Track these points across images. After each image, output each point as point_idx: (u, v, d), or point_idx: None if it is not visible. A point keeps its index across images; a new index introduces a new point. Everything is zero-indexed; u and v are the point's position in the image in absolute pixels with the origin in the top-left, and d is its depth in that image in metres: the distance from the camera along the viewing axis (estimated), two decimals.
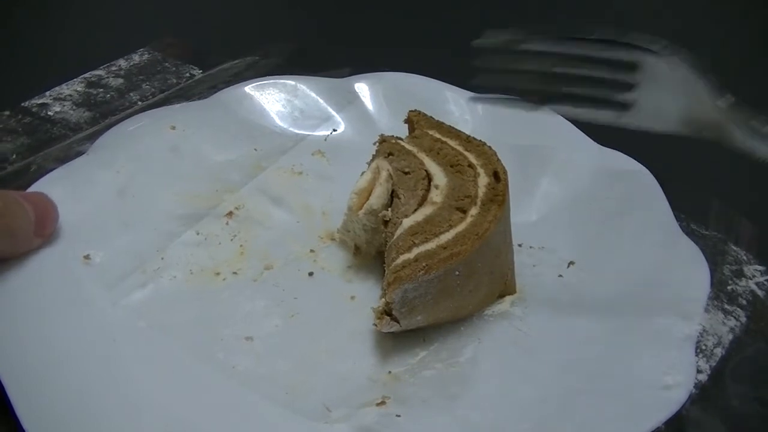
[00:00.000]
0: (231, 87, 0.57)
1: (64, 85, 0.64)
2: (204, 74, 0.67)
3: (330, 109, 0.57)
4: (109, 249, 0.44)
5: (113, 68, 0.67)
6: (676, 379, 0.36)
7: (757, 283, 0.47)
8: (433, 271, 0.38)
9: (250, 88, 0.57)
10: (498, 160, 0.44)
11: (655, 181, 0.48)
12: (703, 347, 0.43)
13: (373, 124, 0.56)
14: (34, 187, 0.45)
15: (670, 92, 0.36)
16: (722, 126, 0.33)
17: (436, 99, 0.57)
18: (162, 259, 0.45)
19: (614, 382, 0.37)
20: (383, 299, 0.39)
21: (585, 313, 0.42)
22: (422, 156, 0.45)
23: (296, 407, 0.38)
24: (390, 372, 0.40)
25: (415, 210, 0.42)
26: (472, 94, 0.57)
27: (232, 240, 0.48)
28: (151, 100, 0.63)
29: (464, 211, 0.42)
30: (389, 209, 0.44)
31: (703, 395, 0.40)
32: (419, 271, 0.38)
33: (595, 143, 0.52)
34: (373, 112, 0.57)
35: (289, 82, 0.58)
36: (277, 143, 0.54)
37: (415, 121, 0.48)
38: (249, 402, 0.38)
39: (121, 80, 0.66)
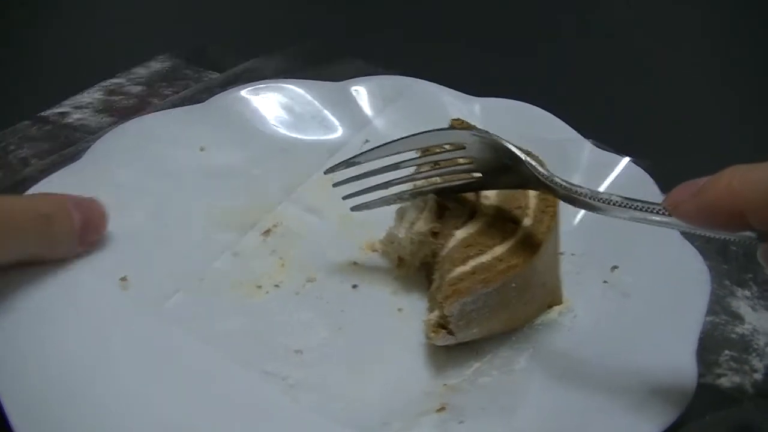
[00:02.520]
0: (229, 91, 0.57)
1: (84, 93, 0.63)
2: (223, 76, 0.67)
3: (366, 112, 0.58)
4: (146, 271, 0.43)
5: (132, 76, 0.67)
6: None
7: None
8: (491, 284, 0.38)
9: (249, 93, 0.57)
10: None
11: (655, 184, 0.49)
12: (756, 346, 0.43)
13: (400, 125, 0.56)
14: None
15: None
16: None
17: (439, 104, 0.58)
18: (201, 280, 0.45)
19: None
20: (435, 312, 0.39)
21: (632, 319, 0.42)
22: None
23: (352, 421, 0.37)
24: (445, 384, 0.40)
25: (466, 222, 0.42)
26: (473, 98, 0.58)
27: (270, 254, 0.47)
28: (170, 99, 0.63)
29: (516, 222, 0.42)
30: (438, 221, 0.43)
31: (760, 393, 0.41)
32: (478, 284, 0.38)
33: (593, 145, 0.54)
34: (402, 117, 0.57)
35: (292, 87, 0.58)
36: (311, 155, 0.54)
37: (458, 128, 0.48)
38: (303, 416, 0.38)
39: (141, 87, 0.65)
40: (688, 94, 0.68)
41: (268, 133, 0.55)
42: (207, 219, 0.48)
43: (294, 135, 0.56)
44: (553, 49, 0.75)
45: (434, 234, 0.43)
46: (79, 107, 0.62)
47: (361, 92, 0.59)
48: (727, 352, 0.43)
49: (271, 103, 0.57)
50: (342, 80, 0.59)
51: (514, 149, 0.40)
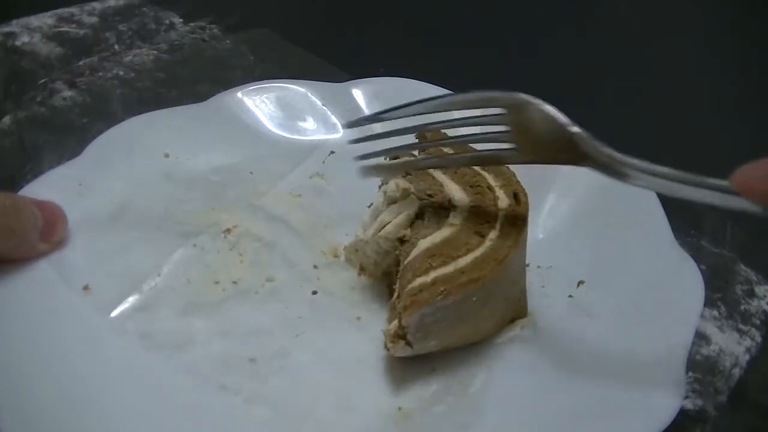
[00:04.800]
0: (227, 92, 0.55)
1: (32, 17, 0.60)
2: (185, 27, 0.64)
3: (328, 114, 0.56)
4: (107, 275, 0.43)
5: (87, 8, 0.64)
6: (665, 395, 0.36)
7: None
8: (451, 296, 0.37)
9: (245, 94, 0.55)
10: (518, 181, 0.43)
11: (654, 193, 0.47)
12: (722, 368, 0.42)
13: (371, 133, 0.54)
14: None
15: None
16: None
17: None
18: (159, 275, 0.44)
19: (624, 402, 0.37)
20: (395, 322, 0.38)
21: (595, 335, 0.41)
22: (440, 176, 0.44)
23: None
24: (400, 408, 0.38)
25: (433, 232, 0.41)
26: None
27: (230, 249, 0.46)
28: (131, 56, 0.60)
29: (483, 235, 0.40)
30: (409, 228, 0.42)
31: (724, 415, 0.40)
32: (437, 296, 0.37)
33: None
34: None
35: (288, 86, 0.57)
36: (274, 165, 0.53)
37: (429, 137, 0.47)
38: (251, 429, 0.37)
39: (95, 19, 0.62)
40: (686, 96, 0.67)
41: (266, 133, 0.54)
42: (173, 223, 0.47)
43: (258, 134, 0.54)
44: (554, 50, 0.73)
45: (402, 242, 0.42)
46: (27, 29, 0.59)
47: (357, 94, 0.57)
48: (691, 374, 0.42)
49: (271, 103, 0.56)
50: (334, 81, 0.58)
51: (564, 119, 0.37)
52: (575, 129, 0.37)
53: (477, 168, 0.44)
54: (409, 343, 0.38)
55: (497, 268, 0.38)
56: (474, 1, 0.80)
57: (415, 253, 0.40)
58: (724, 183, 0.32)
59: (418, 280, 0.38)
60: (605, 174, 0.36)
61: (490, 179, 0.43)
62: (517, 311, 0.42)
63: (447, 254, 0.39)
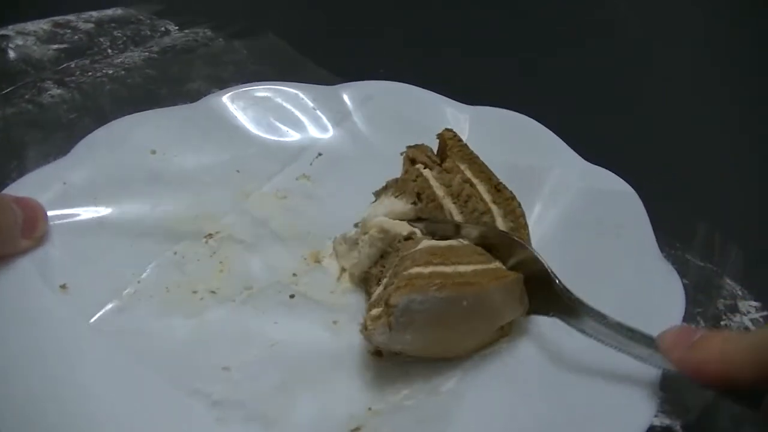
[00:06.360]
0: (216, 94, 0.55)
1: (29, 23, 0.61)
2: (179, 32, 0.64)
3: (318, 117, 0.56)
4: (87, 277, 0.42)
5: (84, 15, 0.64)
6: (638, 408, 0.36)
7: (751, 320, 0.46)
8: (445, 290, 0.37)
9: (234, 96, 0.55)
10: (525, 224, 0.43)
11: (640, 202, 0.47)
12: (693, 385, 0.41)
13: (361, 137, 0.55)
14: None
15: None
16: None
17: (426, 110, 0.56)
18: (138, 282, 0.44)
19: (596, 413, 0.36)
20: (378, 309, 0.37)
21: (574, 345, 0.40)
22: (449, 204, 0.44)
23: None
24: (370, 408, 0.38)
25: (440, 239, 0.42)
26: (463, 105, 0.56)
27: (211, 257, 0.46)
28: (123, 58, 0.60)
29: (487, 258, 0.41)
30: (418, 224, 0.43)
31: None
32: (432, 286, 0.37)
33: (583, 160, 0.51)
34: (359, 123, 0.56)
35: (278, 88, 0.57)
36: (262, 166, 0.52)
37: (449, 145, 0.47)
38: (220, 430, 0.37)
39: (91, 25, 0.63)
40: (686, 96, 0.66)
41: (254, 135, 0.54)
42: (156, 225, 0.47)
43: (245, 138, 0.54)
44: (554, 50, 0.73)
45: (407, 239, 0.42)
46: (22, 33, 0.59)
47: (344, 96, 0.57)
48: (661, 393, 0.41)
49: (260, 105, 0.56)
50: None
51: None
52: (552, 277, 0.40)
53: (487, 198, 0.45)
54: (389, 325, 0.37)
55: (495, 283, 0.38)
56: (472, 3, 0.80)
57: (418, 247, 0.40)
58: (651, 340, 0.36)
59: (417, 269, 0.38)
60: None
61: (499, 216, 0.44)
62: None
63: (449, 258, 0.39)
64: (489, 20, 0.74)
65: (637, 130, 0.60)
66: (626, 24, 0.77)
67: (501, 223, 0.43)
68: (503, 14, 0.76)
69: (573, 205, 0.49)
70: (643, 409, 0.35)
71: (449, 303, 0.37)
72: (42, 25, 0.61)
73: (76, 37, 0.60)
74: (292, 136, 0.55)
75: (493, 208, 0.44)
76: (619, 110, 0.63)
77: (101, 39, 0.61)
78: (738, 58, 0.70)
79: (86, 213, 0.46)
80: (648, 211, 0.46)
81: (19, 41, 0.58)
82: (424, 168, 0.45)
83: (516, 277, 0.40)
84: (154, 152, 0.50)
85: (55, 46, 0.59)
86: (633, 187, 0.48)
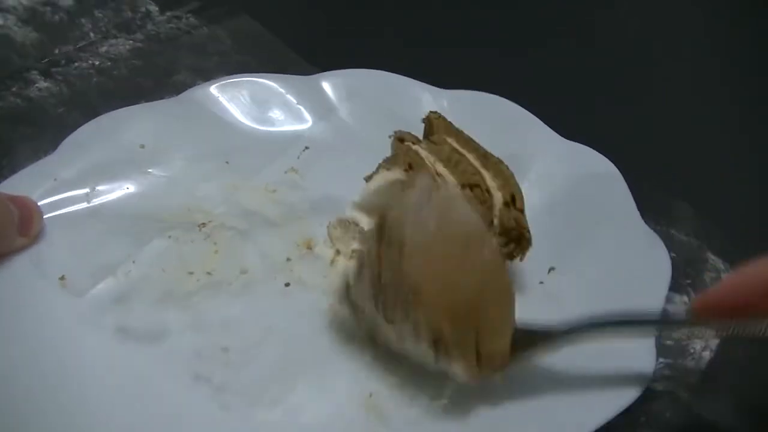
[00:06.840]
0: (200, 86, 0.55)
1: None
2: (161, 16, 0.64)
3: (301, 109, 0.56)
4: (83, 266, 0.43)
5: None
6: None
7: None
8: None
9: (217, 88, 0.55)
10: (515, 183, 0.44)
11: (623, 180, 0.49)
12: (692, 350, 0.43)
13: (346, 128, 0.55)
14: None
15: None
16: None
17: (408, 97, 0.56)
18: (133, 262, 0.44)
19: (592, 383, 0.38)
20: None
21: (563, 319, 0.41)
22: (440, 168, 0.44)
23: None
24: (371, 395, 0.39)
25: None
26: (444, 90, 0.57)
27: (205, 240, 0.47)
28: (107, 47, 0.60)
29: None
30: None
31: (696, 396, 0.41)
32: None
33: (565, 140, 0.53)
34: (343, 113, 0.56)
35: (259, 80, 0.56)
36: (249, 158, 0.52)
37: (435, 124, 0.47)
38: (223, 414, 0.38)
39: (71, 2, 0.62)
40: (686, 96, 0.67)
41: (241, 127, 0.54)
42: (148, 217, 0.47)
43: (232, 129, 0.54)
44: (553, 51, 0.73)
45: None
46: (2, 10, 0.59)
47: (326, 86, 0.57)
48: (661, 360, 0.42)
49: (245, 97, 0.56)
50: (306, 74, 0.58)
51: None
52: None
53: (476, 164, 0.45)
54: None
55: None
56: (472, 3, 0.80)
57: None
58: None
59: None
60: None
61: (488, 179, 0.44)
62: None
63: None
64: (489, 20, 0.75)
65: (637, 130, 0.61)
66: (626, 24, 0.77)
67: (491, 182, 0.44)
68: (503, 14, 0.76)
69: (558, 187, 0.50)
70: (641, 369, 0.38)
71: None
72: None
73: (56, 17, 0.60)
74: (278, 128, 0.55)
75: (482, 171, 0.45)
76: (619, 110, 0.63)
77: (83, 20, 0.60)
78: (738, 58, 0.70)
79: (79, 206, 0.46)
80: (648, 211, 0.48)
81: (0, 20, 0.58)
82: (413, 145, 0.46)
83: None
84: (143, 146, 0.51)
85: (37, 29, 0.58)
86: (633, 187, 0.49)
